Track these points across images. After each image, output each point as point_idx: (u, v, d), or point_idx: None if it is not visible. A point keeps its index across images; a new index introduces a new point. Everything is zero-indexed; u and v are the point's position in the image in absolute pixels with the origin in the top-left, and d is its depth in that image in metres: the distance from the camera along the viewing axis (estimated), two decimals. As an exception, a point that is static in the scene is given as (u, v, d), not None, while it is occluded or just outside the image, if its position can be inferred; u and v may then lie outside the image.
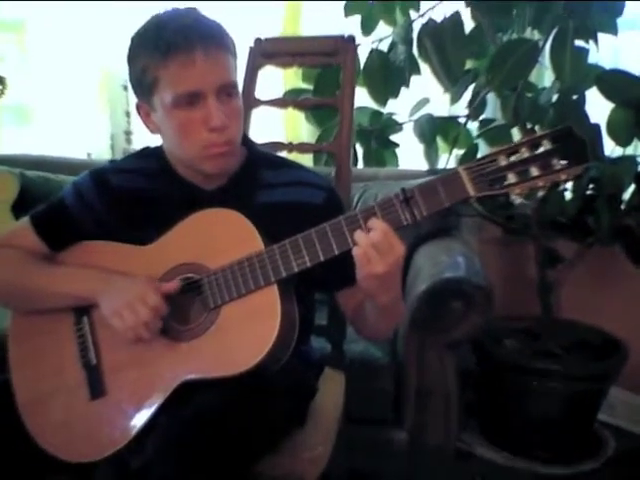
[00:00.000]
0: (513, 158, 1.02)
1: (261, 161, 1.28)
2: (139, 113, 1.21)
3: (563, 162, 1.01)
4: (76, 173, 2.42)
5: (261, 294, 1.11)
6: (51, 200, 1.30)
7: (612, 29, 1.95)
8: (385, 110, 2.37)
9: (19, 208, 2.31)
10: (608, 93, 1.97)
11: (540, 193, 1.07)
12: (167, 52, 1.10)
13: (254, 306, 1.11)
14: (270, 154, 1.34)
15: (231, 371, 1.07)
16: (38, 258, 1.25)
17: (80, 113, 2.85)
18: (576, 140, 1.02)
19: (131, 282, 1.15)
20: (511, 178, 1.02)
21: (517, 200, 1.01)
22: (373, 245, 1.02)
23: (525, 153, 1.02)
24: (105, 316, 1.15)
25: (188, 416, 1.05)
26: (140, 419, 1.12)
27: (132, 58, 1.17)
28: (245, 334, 1.10)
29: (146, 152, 1.30)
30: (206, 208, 1.18)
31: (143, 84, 1.15)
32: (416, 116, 2.36)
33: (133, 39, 1.17)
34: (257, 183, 1.25)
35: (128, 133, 2.84)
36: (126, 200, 1.24)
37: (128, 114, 2.81)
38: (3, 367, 1.23)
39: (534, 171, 1.01)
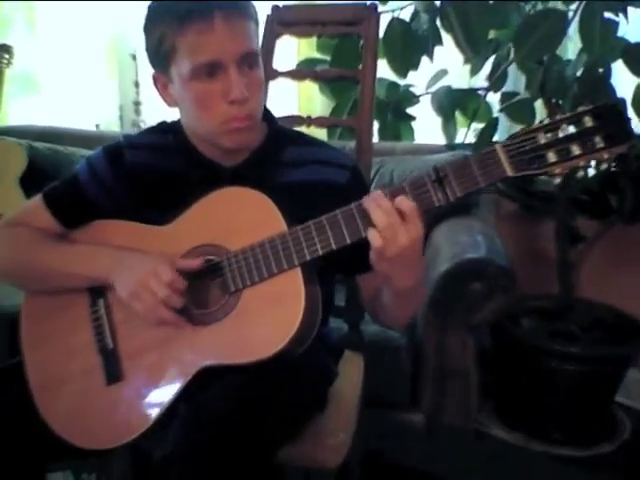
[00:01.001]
0: (553, 135, 0.97)
1: (283, 138, 1.22)
2: (156, 85, 1.15)
3: (606, 140, 0.95)
4: (85, 145, 2.42)
5: (284, 277, 1.06)
6: (64, 177, 1.24)
7: (637, 1, 1.87)
8: (402, 82, 2.29)
9: (27, 180, 2.27)
10: (634, 67, 1.90)
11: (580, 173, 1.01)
12: (184, 19, 1.05)
13: (277, 290, 1.06)
14: (292, 130, 1.29)
15: (254, 357, 1.03)
16: (51, 237, 1.20)
17: (88, 83, 2.78)
18: (619, 117, 0.96)
19: (143, 258, 1.10)
20: (551, 157, 0.96)
21: (556, 180, 0.96)
22: (388, 225, 0.97)
23: (565, 130, 0.96)
24: (122, 298, 1.11)
25: (209, 404, 1.02)
26: (158, 406, 1.08)
27: (148, 27, 1.11)
28: (268, 319, 1.05)
29: (163, 127, 1.24)
30: (225, 186, 1.12)
31: (160, 54, 1.09)
32: (434, 88, 2.28)
33: (150, 6, 1.11)
34: (279, 161, 1.19)
35: (137, 104, 2.78)
36: (142, 177, 1.19)
37: (137, 84, 2.74)
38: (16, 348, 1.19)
39: (575, 150, 0.96)
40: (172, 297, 1.07)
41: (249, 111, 1.10)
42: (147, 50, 1.13)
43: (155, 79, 1.15)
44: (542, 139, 0.96)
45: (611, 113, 0.96)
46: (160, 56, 1.10)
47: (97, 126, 2.78)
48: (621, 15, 1.82)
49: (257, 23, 1.12)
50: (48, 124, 2.63)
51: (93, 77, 2.79)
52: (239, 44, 1.07)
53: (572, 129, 0.96)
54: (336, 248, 1.03)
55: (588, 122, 0.96)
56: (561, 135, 0.96)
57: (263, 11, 1.61)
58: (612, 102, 0.97)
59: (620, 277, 2.28)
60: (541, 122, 0.99)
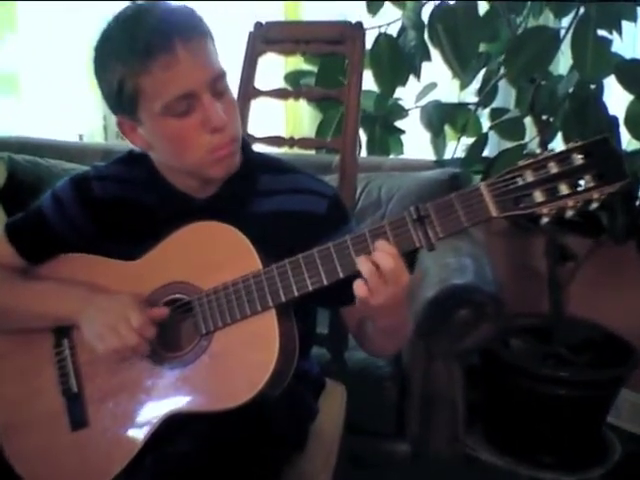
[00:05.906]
0: (540, 173, 0.92)
1: (258, 165, 1.16)
2: (122, 130, 1.08)
3: (596, 179, 0.90)
4: (67, 157, 2.35)
5: (257, 317, 1.01)
6: (28, 209, 1.19)
7: (631, 16, 1.83)
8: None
9: (7, 194, 2.21)
10: (627, 84, 1.86)
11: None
12: (147, 55, 0.97)
13: (250, 331, 1.01)
14: (268, 157, 1.22)
15: (226, 405, 0.98)
16: (14, 272, 1.15)
17: (71, 91, 2.71)
18: (611, 154, 0.91)
19: (114, 301, 1.05)
20: (538, 196, 0.92)
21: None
22: (378, 274, 0.92)
23: (554, 168, 0.92)
24: (86, 338, 1.05)
25: (179, 453, 0.96)
26: (125, 453, 1.03)
27: (102, 70, 1.02)
28: (241, 363, 1.00)
29: (132, 157, 1.18)
30: (197, 219, 1.07)
31: (122, 99, 1.01)
32: (423, 102, 2.24)
33: (97, 49, 1.02)
34: (253, 190, 1.13)
35: (121, 113, 2.70)
36: (110, 210, 1.13)
37: (121, 93, 2.67)
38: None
39: (564, 189, 0.91)
40: (142, 345, 1.02)
41: (231, 135, 1.04)
42: (104, 96, 1.05)
43: (120, 124, 1.07)
44: (529, 177, 0.92)
45: (602, 150, 0.91)
46: (123, 100, 1.02)
47: (80, 137, 2.72)
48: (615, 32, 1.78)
49: (212, 37, 1.04)
50: (29, 133, 2.57)
51: (76, 85, 2.72)
52: (206, 69, 1.01)
53: (561, 167, 0.91)
54: (313, 289, 0.98)
55: (578, 160, 0.91)
56: (549, 173, 0.91)
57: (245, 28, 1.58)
58: (603, 138, 0.92)
59: (610, 296, 2.24)
60: (528, 157, 0.94)
